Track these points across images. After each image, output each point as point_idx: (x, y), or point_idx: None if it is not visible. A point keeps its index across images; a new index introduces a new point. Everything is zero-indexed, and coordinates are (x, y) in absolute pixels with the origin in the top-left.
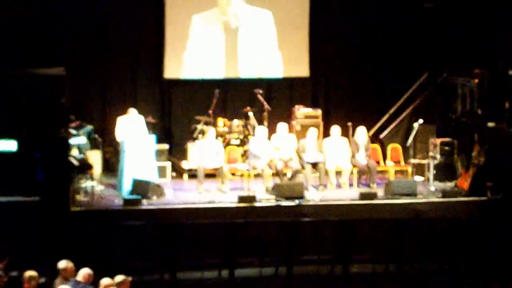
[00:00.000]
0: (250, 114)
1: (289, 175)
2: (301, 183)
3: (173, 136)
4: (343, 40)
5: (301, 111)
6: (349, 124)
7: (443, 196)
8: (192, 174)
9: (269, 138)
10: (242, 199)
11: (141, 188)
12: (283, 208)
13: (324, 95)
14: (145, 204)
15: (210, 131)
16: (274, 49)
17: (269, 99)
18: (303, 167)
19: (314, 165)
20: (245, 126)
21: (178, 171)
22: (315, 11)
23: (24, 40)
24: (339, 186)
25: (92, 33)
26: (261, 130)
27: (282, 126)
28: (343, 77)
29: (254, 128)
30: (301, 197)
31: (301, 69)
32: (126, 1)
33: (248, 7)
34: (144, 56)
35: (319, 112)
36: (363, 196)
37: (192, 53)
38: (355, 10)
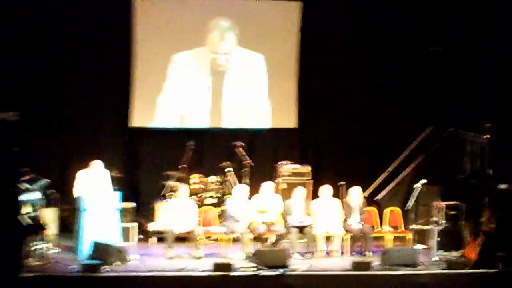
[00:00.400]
0: (229, 169)
1: (272, 240)
2: (285, 250)
3: (140, 193)
4: (336, 88)
5: (287, 167)
6: (342, 183)
7: (448, 268)
8: (161, 237)
9: (250, 198)
10: (218, 267)
11: (102, 252)
12: (265, 279)
13: (314, 149)
14: (107, 270)
15: (182, 188)
16: (263, 96)
17: (251, 153)
18: (288, 232)
19: (301, 230)
20: (223, 183)
21: (145, 234)
22: (305, 56)
23: None
24: (329, 253)
25: (46, 72)
26: (241, 189)
27: (267, 186)
28: (336, 130)
29: (233, 185)
30: (286, 266)
31: (289, 120)
32: (90, 35)
33: (240, 50)
34: (109, 100)
35: (308, 169)
36: (356, 265)
37: (169, 98)
38: (351, 56)
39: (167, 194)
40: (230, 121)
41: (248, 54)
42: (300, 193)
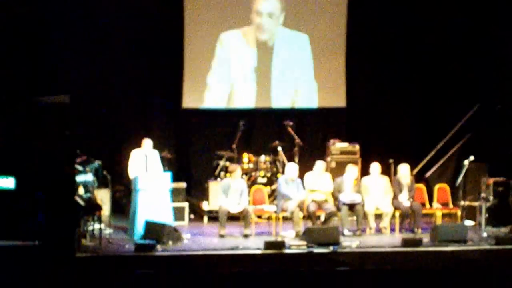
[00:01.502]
0: (279, 149)
1: (322, 218)
2: (336, 228)
3: (191, 173)
4: (383, 68)
5: (336, 146)
6: (391, 161)
7: (497, 243)
8: (213, 217)
9: (300, 176)
10: (269, 245)
11: (155, 231)
12: (316, 256)
13: (362, 128)
14: (160, 250)
15: (238, 170)
16: (309, 76)
17: (301, 132)
18: (338, 209)
19: (351, 207)
20: (273, 162)
21: (197, 213)
22: (353, 35)
23: (26, 63)
24: (379, 231)
25: (100, 56)
26: (291, 167)
27: (319, 164)
28: (383, 108)
29: (283, 165)
30: (336, 243)
31: (337, 99)
32: (138, 20)
33: (284, 30)
34: (160, 82)
35: (356, 147)
36: (406, 242)
37: (217, 77)
38: (398, 35)
39: (219, 174)
40: (278, 101)
41: (293, 34)
42: (352, 171)
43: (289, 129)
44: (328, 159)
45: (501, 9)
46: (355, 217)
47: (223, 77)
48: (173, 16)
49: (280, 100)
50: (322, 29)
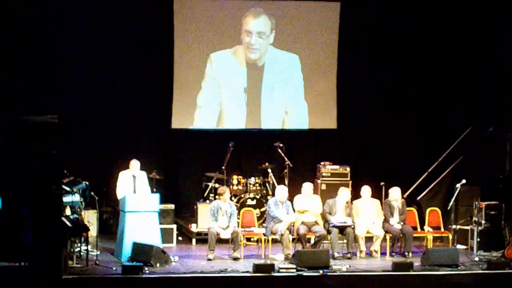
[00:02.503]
0: (269, 170)
1: (312, 241)
2: (326, 251)
3: (180, 195)
4: (375, 90)
5: (327, 168)
6: (382, 184)
7: (489, 268)
8: (202, 239)
9: (290, 199)
10: (258, 268)
11: (143, 253)
12: (306, 279)
13: (354, 150)
14: (147, 272)
15: (227, 192)
16: (300, 97)
17: (291, 154)
18: (328, 232)
19: (342, 230)
20: (263, 184)
21: (185, 235)
22: (344, 56)
23: (12, 82)
24: (369, 254)
25: (89, 76)
26: (281, 190)
27: (307, 186)
28: (375, 131)
29: (273, 187)
30: (326, 266)
31: (328, 121)
32: (128, 40)
33: (274, 50)
34: (149, 102)
35: (347, 169)
36: (397, 266)
37: (207, 98)
38: (391, 57)
39: (207, 196)
40: (268, 122)
41: (283, 54)
42: (343, 193)
43: (279, 150)
44: (319, 181)
45: (501, 10)
46: (345, 240)
47: (213, 97)
48: (163, 36)
49: (270, 121)
50: (313, 49)
